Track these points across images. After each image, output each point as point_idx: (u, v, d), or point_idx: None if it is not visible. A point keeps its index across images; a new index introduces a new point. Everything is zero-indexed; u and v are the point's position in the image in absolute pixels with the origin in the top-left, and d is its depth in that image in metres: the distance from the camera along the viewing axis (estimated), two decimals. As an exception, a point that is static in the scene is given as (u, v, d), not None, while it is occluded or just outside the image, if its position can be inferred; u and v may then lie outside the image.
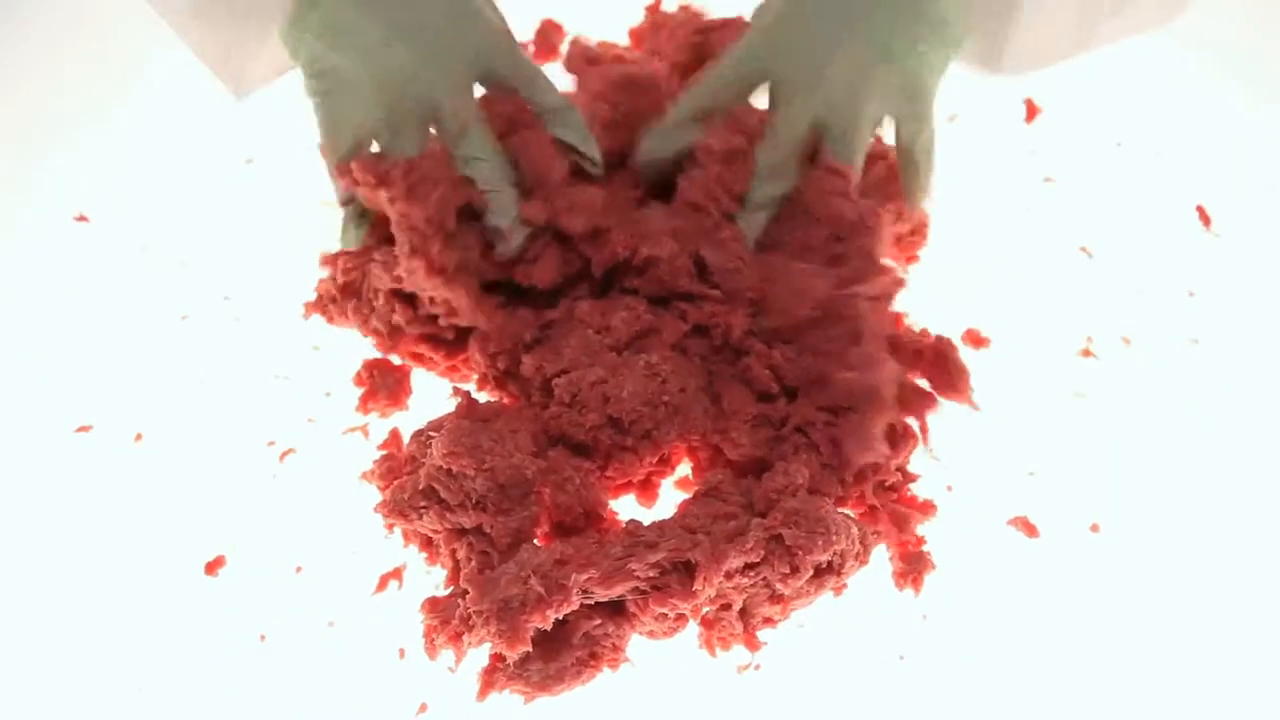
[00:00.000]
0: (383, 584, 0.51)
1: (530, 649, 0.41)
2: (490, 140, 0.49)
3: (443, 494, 0.44)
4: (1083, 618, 0.51)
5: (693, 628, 0.47)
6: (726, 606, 0.45)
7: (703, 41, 0.59)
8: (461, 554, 0.45)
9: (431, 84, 0.47)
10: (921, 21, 0.47)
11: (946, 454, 0.53)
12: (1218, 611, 0.51)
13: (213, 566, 0.52)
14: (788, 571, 0.42)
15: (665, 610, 0.43)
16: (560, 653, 0.43)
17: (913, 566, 0.49)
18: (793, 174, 0.50)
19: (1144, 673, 0.49)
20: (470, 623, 0.41)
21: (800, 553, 0.42)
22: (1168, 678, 0.49)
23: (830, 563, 0.43)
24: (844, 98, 0.48)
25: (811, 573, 0.43)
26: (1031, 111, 0.67)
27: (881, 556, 0.50)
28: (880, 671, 0.49)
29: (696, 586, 0.42)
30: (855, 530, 0.44)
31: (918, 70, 0.49)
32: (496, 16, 0.50)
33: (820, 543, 0.42)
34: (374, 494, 0.53)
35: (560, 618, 0.42)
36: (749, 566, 0.43)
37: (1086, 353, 0.58)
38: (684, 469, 0.52)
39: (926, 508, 0.49)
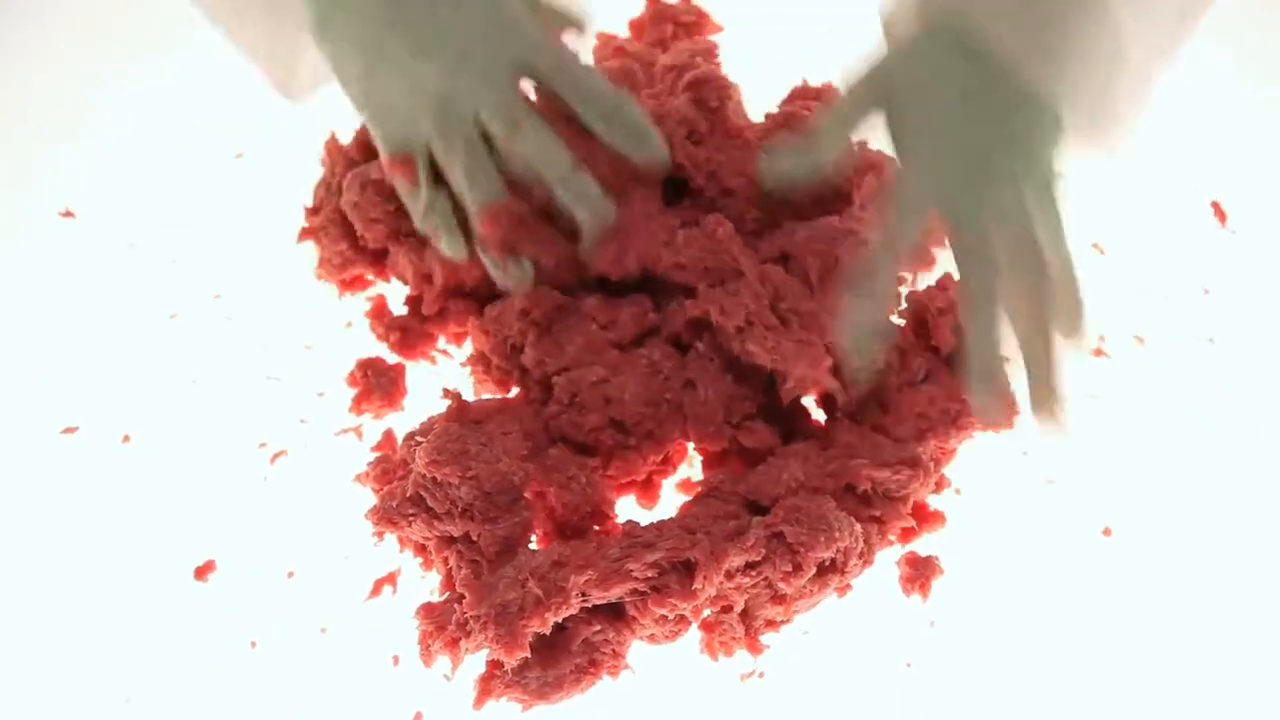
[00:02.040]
0: (376, 589, 0.51)
1: (529, 654, 0.41)
2: (547, 131, 0.47)
3: (429, 502, 0.44)
4: (1095, 624, 0.50)
5: (694, 634, 0.47)
6: (728, 608, 0.45)
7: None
8: (452, 562, 0.45)
9: (470, 93, 0.46)
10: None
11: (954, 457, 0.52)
12: (1235, 619, 0.51)
13: (202, 571, 0.52)
14: (789, 570, 0.43)
15: (665, 611, 0.43)
16: (559, 660, 0.43)
17: (920, 571, 0.49)
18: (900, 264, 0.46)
19: (1159, 683, 0.49)
20: (467, 628, 0.41)
21: (802, 550, 0.42)
22: (1184, 688, 0.49)
23: (833, 561, 0.44)
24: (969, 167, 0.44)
25: (814, 571, 0.43)
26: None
27: (888, 561, 0.50)
28: (886, 679, 0.49)
29: (696, 585, 0.42)
30: (858, 528, 0.44)
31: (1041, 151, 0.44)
32: (533, 18, 0.48)
33: (822, 539, 0.42)
34: (367, 497, 0.53)
35: (559, 622, 0.42)
36: (750, 565, 0.43)
37: (1099, 352, 0.58)
38: (685, 470, 0.52)
39: (935, 517, 0.49)
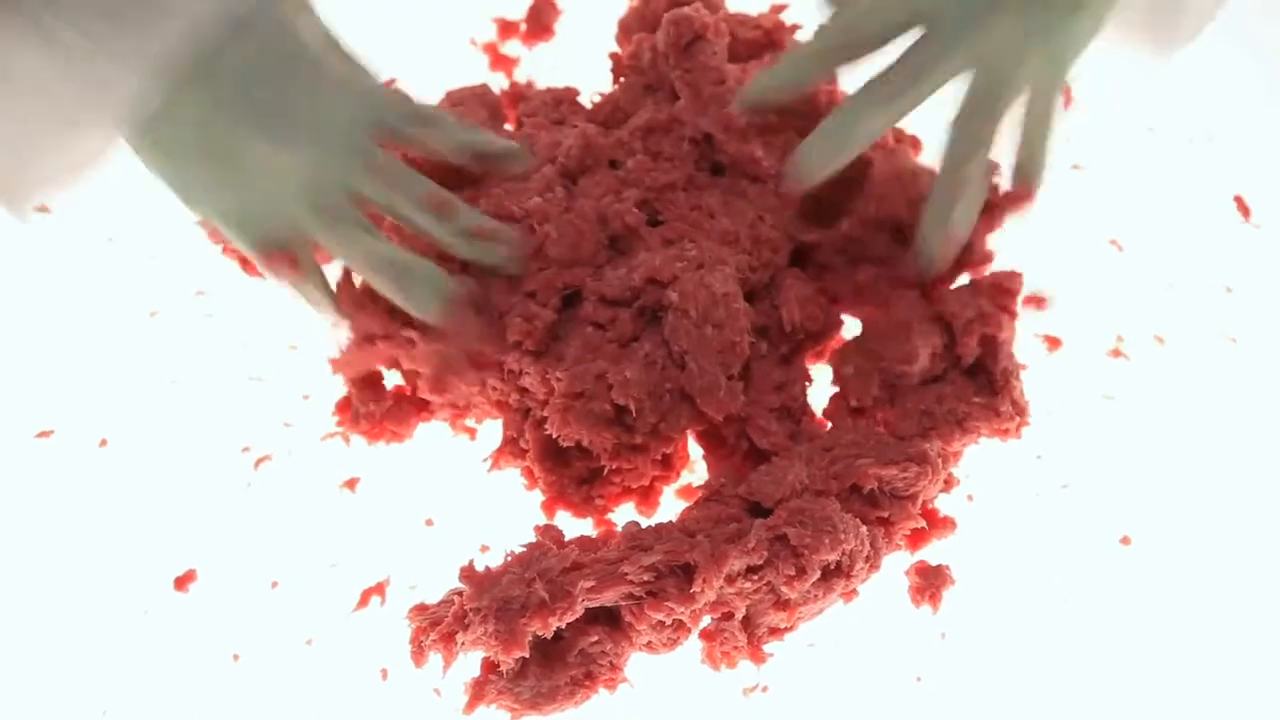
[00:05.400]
0: (364, 600, 0.51)
1: (527, 654, 0.41)
2: (421, 178, 0.48)
3: None
4: (1113, 637, 0.51)
5: (695, 646, 0.47)
6: (729, 615, 0.46)
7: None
8: None
9: (340, 168, 0.47)
10: None
11: (965, 461, 0.52)
12: (1259, 632, 0.51)
13: (183, 581, 0.52)
14: (793, 573, 0.43)
15: (661, 616, 0.43)
16: (554, 670, 0.44)
17: (930, 581, 0.49)
18: None
19: (1181, 699, 0.49)
20: (465, 621, 0.41)
21: (806, 552, 0.42)
22: (1205, 702, 0.49)
23: (839, 564, 0.44)
24: (1000, 52, 0.45)
25: (818, 575, 0.43)
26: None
27: (897, 570, 0.50)
28: (895, 694, 0.49)
29: (695, 589, 0.42)
30: (864, 530, 0.44)
31: (1071, 37, 0.45)
32: (369, 75, 0.49)
33: (827, 541, 0.42)
34: (354, 504, 0.53)
35: (557, 631, 0.42)
36: (751, 569, 0.43)
37: (1117, 352, 0.58)
38: (686, 476, 0.52)
39: (945, 523, 0.49)
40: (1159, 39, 0.49)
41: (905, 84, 0.45)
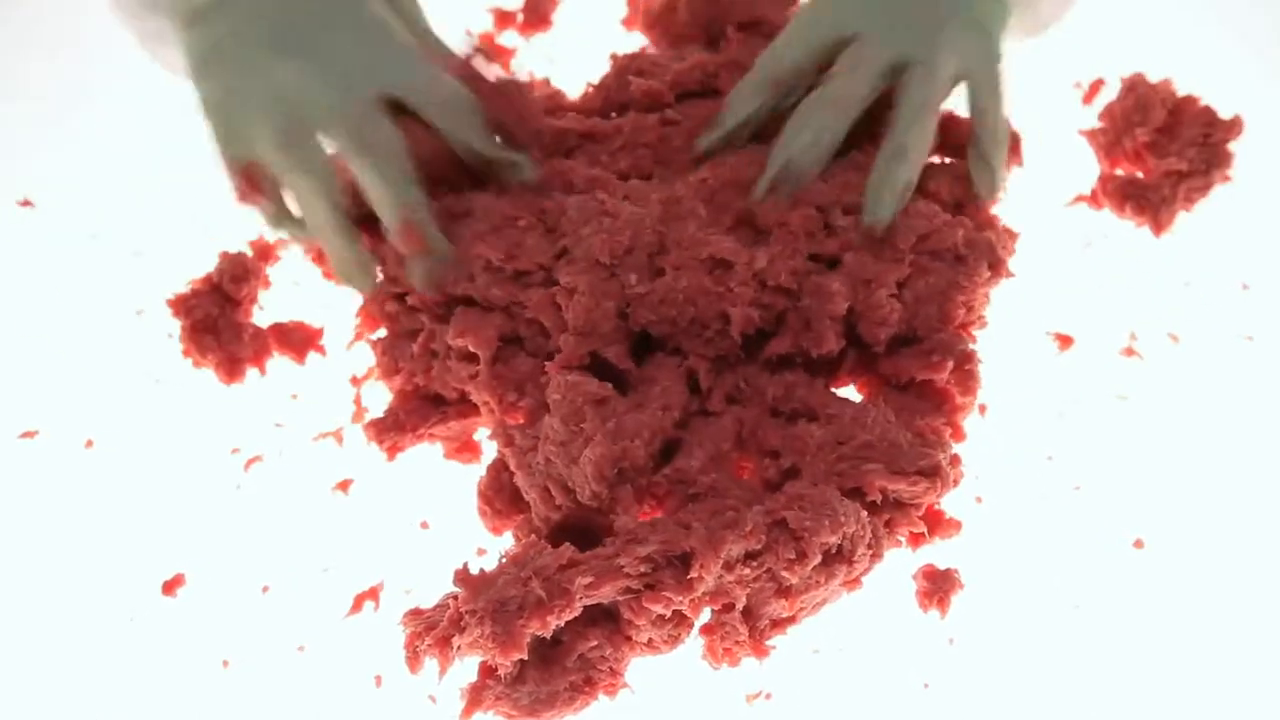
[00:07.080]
0: (357, 605, 0.51)
1: (525, 656, 0.41)
2: (396, 164, 0.48)
3: None
4: (1124, 642, 0.51)
5: (696, 648, 0.47)
6: (729, 607, 0.46)
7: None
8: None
9: (326, 118, 0.47)
10: None
11: (974, 462, 0.53)
12: (1275, 637, 0.51)
13: (171, 586, 0.52)
14: (793, 557, 0.43)
15: (660, 608, 0.43)
16: (553, 675, 0.44)
17: (938, 585, 0.49)
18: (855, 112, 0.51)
19: (1192, 703, 0.49)
20: (461, 624, 0.41)
21: (806, 535, 0.42)
22: (1217, 709, 0.49)
23: (840, 548, 0.44)
24: (922, 44, 0.50)
25: (819, 559, 0.43)
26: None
27: (904, 574, 0.50)
28: (902, 701, 0.49)
29: (693, 575, 0.42)
30: (865, 515, 0.44)
31: (990, 28, 0.51)
32: (414, 50, 0.51)
33: (827, 523, 0.42)
34: (347, 507, 0.53)
35: (555, 635, 0.42)
36: (750, 555, 0.43)
37: (1130, 351, 0.58)
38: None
39: (950, 525, 0.49)
40: (1025, 27, 0.55)
41: (845, 82, 0.50)
